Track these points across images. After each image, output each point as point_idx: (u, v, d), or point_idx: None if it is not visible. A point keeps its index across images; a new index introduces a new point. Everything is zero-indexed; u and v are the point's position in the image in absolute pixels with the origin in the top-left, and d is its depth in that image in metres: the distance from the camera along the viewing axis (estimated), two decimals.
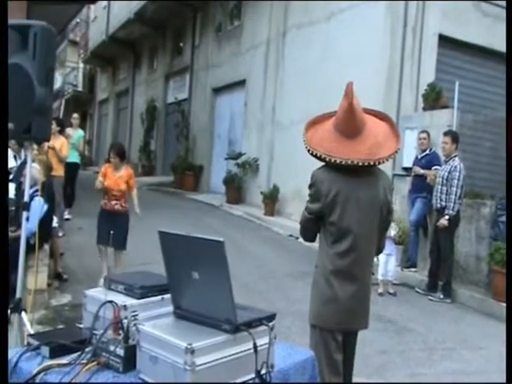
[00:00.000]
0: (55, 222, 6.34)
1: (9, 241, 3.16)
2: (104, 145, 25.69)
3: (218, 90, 15.19)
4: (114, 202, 6.26)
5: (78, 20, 25.11)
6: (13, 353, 2.07)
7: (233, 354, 1.83)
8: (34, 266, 4.38)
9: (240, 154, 12.74)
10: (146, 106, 19.74)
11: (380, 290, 6.75)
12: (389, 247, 6.24)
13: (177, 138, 16.70)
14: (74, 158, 8.98)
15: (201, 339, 1.78)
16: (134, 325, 2.03)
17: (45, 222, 5.41)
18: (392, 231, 6.50)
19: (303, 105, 10.68)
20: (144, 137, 19.44)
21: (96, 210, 10.69)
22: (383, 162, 2.69)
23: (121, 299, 2.22)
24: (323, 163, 2.83)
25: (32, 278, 4.37)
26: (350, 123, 2.67)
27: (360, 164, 2.63)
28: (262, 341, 1.91)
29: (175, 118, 17.14)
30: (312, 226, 2.88)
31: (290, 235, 9.69)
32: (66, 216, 8.95)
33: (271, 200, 11.13)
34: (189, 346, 1.72)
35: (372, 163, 2.65)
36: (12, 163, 8.03)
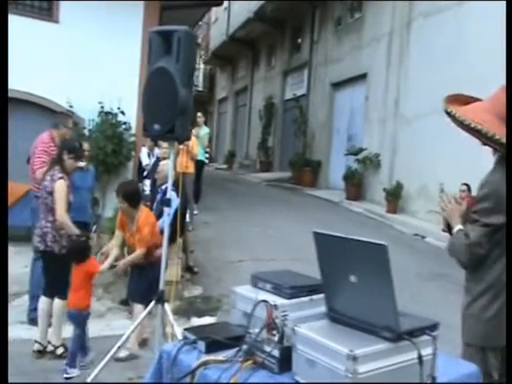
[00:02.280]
0: (187, 218, 6.62)
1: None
2: (223, 142, 26.57)
3: (337, 85, 14.97)
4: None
5: (200, 23, 26.15)
6: (171, 346, 2.16)
7: (395, 364, 1.74)
8: (172, 258, 4.60)
9: (360, 150, 12.46)
10: (264, 102, 20.04)
11: None
12: None
13: (295, 134, 16.75)
14: (201, 155, 9.33)
15: (362, 346, 1.71)
16: (286, 325, 2.02)
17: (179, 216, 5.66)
18: None
19: (429, 97, 10.15)
20: (262, 133, 19.75)
21: (220, 204, 11.16)
22: None
23: (270, 298, 2.22)
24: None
25: (170, 270, 4.58)
26: None
27: None
28: (425, 351, 1.79)
29: (293, 114, 17.19)
30: (485, 245, 2.43)
31: (416, 234, 9.27)
32: (194, 211, 9.35)
33: (394, 197, 10.74)
34: (351, 353, 1.66)
35: None
36: (146, 160, 8.55)
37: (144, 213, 4.40)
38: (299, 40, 18.10)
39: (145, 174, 8.08)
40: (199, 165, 9.13)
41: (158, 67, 3.79)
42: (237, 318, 2.35)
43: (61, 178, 4.20)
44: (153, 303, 3.81)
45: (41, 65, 8.27)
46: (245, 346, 2.01)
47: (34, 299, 4.99)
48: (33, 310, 4.98)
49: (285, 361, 1.92)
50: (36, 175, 4.95)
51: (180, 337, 3.66)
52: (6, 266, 2.63)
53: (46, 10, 8.67)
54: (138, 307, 4.32)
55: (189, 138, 4.02)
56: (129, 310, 5.27)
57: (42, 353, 4.35)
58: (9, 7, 8.43)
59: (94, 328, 4.98)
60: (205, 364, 1.97)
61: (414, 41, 11.16)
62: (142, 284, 4.40)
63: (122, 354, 4.17)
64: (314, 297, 2.29)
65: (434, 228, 9.28)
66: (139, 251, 4.29)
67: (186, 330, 2.25)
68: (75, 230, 4.32)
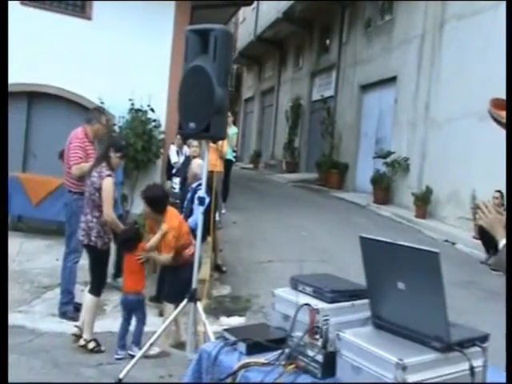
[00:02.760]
0: (216, 216, 6.61)
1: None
2: (249, 142, 26.59)
3: (365, 87, 14.83)
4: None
5: (227, 23, 26.22)
6: (211, 346, 2.15)
7: (446, 375, 1.69)
8: (204, 257, 4.60)
9: (389, 153, 12.30)
10: (290, 103, 19.97)
11: None
12: None
13: (321, 136, 16.65)
14: (229, 154, 9.32)
15: (411, 355, 1.67)
16: (330, 330, 1.98)
17: (209, 215, 5.66)
18: None
19: (462, 101, 9.99)
20: (288, 134, 19.69)
21: (247, 204, 11.16)
22: None
23: (311, 302, 2.18)
24: None
25: (201, 269, 4.57)
26: None
27: None
28: (476, 363, 1.74)
29: (320, 116, 17.10)
30: None
31: (446, 240, 9.11)
32: (223, 211, 9.36)
33: (423, 202, 10.58)
34: (400, 362, 1.62)
35: None
36: (175, 158, 8.57)
37: (168, 217, 4.29)
38: (327, 41, 17.98)
39: (174, 171, 8.11)
40: (227, 164, 9.12)
41: (195, 66, 3.78)
42: (276, 320, 2.32)
43: (109, 175, 4.26)
44: (185, 302, 3.81)
45: (73, 61, 8.38)
46: (287, 350, 1.98)
47: (65, 293, 5.05)
48: (64, 303, 5.03)
49: (328, 366, 1.89)
50: (72, 170, 5.00)
51: (212, 336, 3.67)
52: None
53: (79, 7, 8.78)
54: (169, 306, 4.33)
55: (224, 137, 4.01)
56: (159, 307, 5.28)
57: (78, 338, 4.39)
58: (42, 4, 8.58)
59: None
60: (246, 366, 1.95)
61: (447, 43, 10.98)
62: (174, 284, 4.40)
63: (153, 351, 4.18)
64: (356, 302, 2.25)
65: (465, 234, 9.12)
66: (166, 256, 4.27)
67: (225, 330, 2.24)
68: (121, 226, 4.42)
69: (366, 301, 2.25)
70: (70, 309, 5.03)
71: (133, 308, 4.33)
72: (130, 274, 4.30)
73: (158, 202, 4.26)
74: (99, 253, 4.34)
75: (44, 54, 8.32)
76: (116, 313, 5.26)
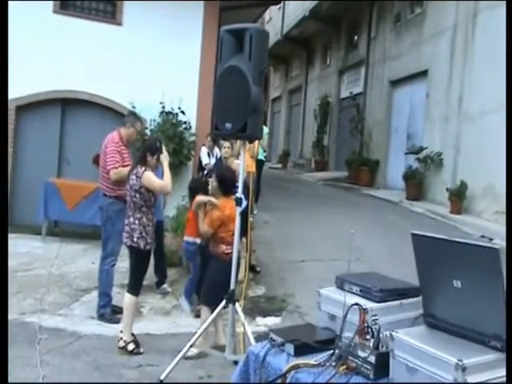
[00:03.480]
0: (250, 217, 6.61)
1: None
2: (277, 141, 26.53)
3: (395, 82, 14.62)
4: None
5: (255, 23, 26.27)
6: (258, 347, 2.13)
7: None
8: (242, 257, 4.60)
9: (421, 148, 12.10)
10: (318, 101, 19.85)
11: None
12: None
13: (351, 133, 16.50)
14: (260, 154, 9.31)
15: (470, 355, 1.62)
16: (381, 330, 1.94)
17: (245, 216, 5.66)
18: None
19: (496, 93, 9.74)
20: (317, 132, 19.58)
21: (278, 204, 11.13)
22: None
23: (359, 301, 2.15)
24: None
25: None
26: None
27: None
28: None
29: (349, 113, 16.95)
30: None
31: (482, 236, 8.90)
32: (255, 211, 9.36)
33: (458, 197, 10.36)
34: (460, 363, 1.57)
35: None
36: (206, 160, 8.58)
37: (225, 201, 4.43)
38: (355, 37, 17.80)
39: (205, 173, 8.13)
40: (259, 164, 9.11)
41: (230, 66, 3.77)
42: (323, 320, 2.29)
43: (145, 171, 4.33)
44: (224, 303, 3.80)
45: (105, 67, 8.50)
46: (337, 351, 1.95)
47: (102, 296, 5.12)
48: (102, 306, 5.10)
49: (381, 367, 1.85)
50: (110, 175, 5.06)
51: (251, 337, 3.66)
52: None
53: (109, 13, 8.90)
54: (206, 308, 4.33)
55: (260, 137, 3.99)
56: (194, 308, 5.31)
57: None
58: (74, 11, 8.73)
59: (159, 325, 5.07)
60: (296, 367, 1.93)
61: (480, 34, 10.72)
62: (210, 287, 4.40)
63: (191, 352, 4.20)
64: (404, 301, 2.21)
65: (502, 229, 8.89)
66: (206, 228, 4.43)
67: (272, 331, 2.22)
68: (203, 199, 4.65)
69: (414, 299, 2.21)
70: (107, 311, 5.09)
71: (189, 256, 5.05)
72: (187, 222, 5.18)
73: (226, 182, 4.48)
74: (141, 253, 4.41)
75: (76, 60, 8.46)
76: (152, 315, 5.32)
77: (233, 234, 4.23)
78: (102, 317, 5.06)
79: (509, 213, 1.95)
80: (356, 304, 2.02)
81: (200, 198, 4.69)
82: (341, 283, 2.33)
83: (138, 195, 4.33)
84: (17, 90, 8.31)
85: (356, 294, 2.23)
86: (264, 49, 3.78)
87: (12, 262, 6.36)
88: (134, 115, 5.58)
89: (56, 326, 4.81)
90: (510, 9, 4.58)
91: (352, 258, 6.89)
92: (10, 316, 4.90)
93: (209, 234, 4.44)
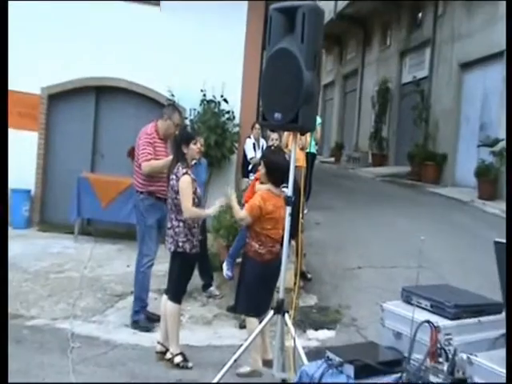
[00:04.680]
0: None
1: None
2: (329, 132, 26.33)
3: (466, 65, 14.23)
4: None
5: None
6: (313, 367, 2.09)
7: None
8: (291, 262, 4.56)
9: (497, 140, 11.69)
10: (377, 87, 19.59)
11: None
12: None
13: (414, 123, 16.19)
14: (312, 147, 9.17)
15: None
16: (457, 353, 1.86)
17: (292, 216, 5.61)
18: None
19: None
20: (375, 122, 19.34)
21: (331, 202, 11.04)
22: None
23: (429, 318, 2.07)
24: None
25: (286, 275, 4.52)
26: None
27: None
28: None
29: (412, 100, 16.62)
30: None
31: None
32: (305, 210, 9.29)
33: None
34: None
35: None
36: (251, 153, 8.54)
37: (270, 194, 4.26)
38: (420, 15, 17.43)
39: (250, 167, 8.12)
40: (310, 158, 8.98)
41: (280, 48, 3.73)
42: (387, 338, 2.23)
43: (185, 173, 4.35)
44: (271, 314, 3.78)
45: (142, 52, 8.61)
46: (405, 375, 1.88)
47: (137, 301, 5.20)
48: (136, 312, 5.18)
49: None
50: (142, 168, 5.12)
51: (302, 352, 3.62)
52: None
53: None
54: (251, 320, 4.31)
55: (313, 129, 3.94)
56: (238, 317, 5.31)
57: (164, 354, 4.48)
58: None
59: (200, 336, 5.10)
60: None
61: None
62: (245, 292, 4.38)
63: (243, 369, 4.20)
64: (483, 319, 2.12)
65: None
66: (243, 213, 4.27)
67: (328, 349, 2.17)
68: (208, 212, 4.58)
69: (494, 317, 2.12)
70: (141, 318, 5.17)
71: None
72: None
73: (276, 171, 4.27)
74: (188, 257, 4.45)
75: (112, 45, 8.60)
76: (193, 324, 5.36)
77: (267, 236, 4.18)
78: (135, 324, 5.14)
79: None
80: (427, 321, 1.94)
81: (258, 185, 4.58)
82: (407, 296, 2.26)
83: (179, 197, 4.35)
84: (49, 77, 8.56)
85: (426, 310, 2.15)
86: (318, 29, 3.72)
87: (43, 263, 6.57)
88: (172, 106, 5.62)
89: (89, 334, 4.91)
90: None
91: (415, 264, 6.76)
92: (42, 321, 5.06)
93: (246, 221, 4.31)
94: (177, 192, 4.34)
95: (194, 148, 4.50)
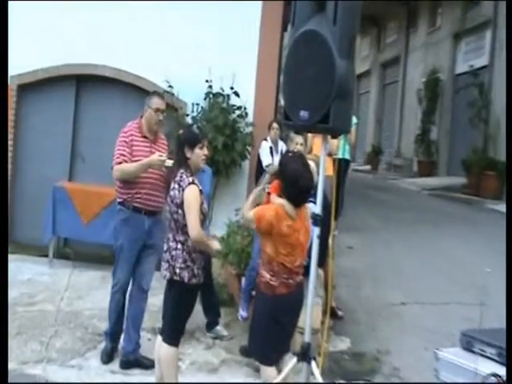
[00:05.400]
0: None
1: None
2: (364, 134, 26.36)
3: None
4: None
5: None
6: None
7: None
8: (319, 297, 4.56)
9: None
10: (424, 78, 19.64)
11: None
12: None
13: (471, 123, 16.22)
14: (345, 152, 9.15)
15: None
16: None
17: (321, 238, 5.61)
18: None
19: None
20: (422, 122, 19.37)
21: (367, 221, 11.01)
22: None
23: (496, 370, 2.07)
24: None
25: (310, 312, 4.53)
26: None
27: None
28: None
29: (469, 95, 16.66)
30: None
31: None
32: (334, 231, 9.28)
33: None
34: None
35: None
36: (267, 159, 8.53)
37: (282, 211, 4.18)
38: None
39: (265, 177, 8.11)
40: (343, 166, 8.95)
41: (307, 31, 3.78)
42: None
43: (191, 182, 4.34)
44: (294, 361, 3.79)
45: (132, 35, 8.61)
46: None
47: (107, 336, 5.36)
48: (108, 350, 5.30)
49: None
50: (113, 173, 5.21)
51: None
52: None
53: None
54: (266, 370, 4.31)
55: (348, 130, 3.96)
56: (251, 363, 5.31)
57: None
58: None
59: None
60: None
61: None
62: (256, 333, 4.39)
63: None
64: None
65: None
66: (250, 215, 4.24)
67: None
68: (214, 246, 4.54)
69: None
70: (132, 359, 5.24)
71: None
72: None
73: (293, 183, 4.14)
74: (186, 289, 4.42)
75: (94, 26, 8.65)
76: (195, 371, 5.36)
77: (281, 264, 4.13)
78: (125, 364, 5.21)
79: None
80: (493, 374, 1.94)
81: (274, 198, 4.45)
82: (468, 342, 2.26)
83: (180, 211, 4.33)
84: (19, 64, 8.62)
85: (491, 359, 2.15)
86: (355, 7, 3.77)
87: (11, 293, 6.60)
88: (152, 92, 5.68)
89: (67, 381, 4.93)
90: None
91: (474, 301, 6.74)
92: (9, 365, 5.08)
93: (248, 225, 4.40)
94: (178, 205, 4.32)
95: (200, 154, 4.51)
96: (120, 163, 5.17)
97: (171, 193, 4.39)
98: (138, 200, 5.17)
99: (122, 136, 5.28)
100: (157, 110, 5.27)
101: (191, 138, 4.53)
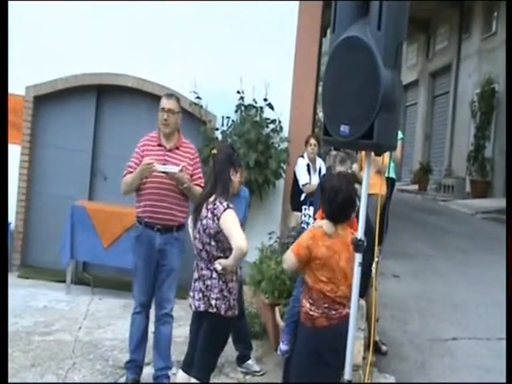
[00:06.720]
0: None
1: None
2: (411, 150, 26.22)
3: None
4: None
5: None
6: None
7: None
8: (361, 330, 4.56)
9: None
10: (478, 89, 19.50)
11: None
12: None
13: None
14: (390, 171, 9.07)
15: None
16: None
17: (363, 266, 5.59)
18: None
19: None
20: (475, 137, 19.21)
21: (414, 247, 10.88)
22: None
23: None
24: None
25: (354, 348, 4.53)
26: None
27: None
28: None
29: None
30: None
31: None
32: (378, 257, 9.22)
33: None
34: None
35: None
36: (305, 178, 8.50)
37: (321, 233, 4.30)
38: None
39: (303, 197, 8.12)
40: (388, 185, 8.89)
41: (349, 37, 3.82)
42: None
43: (226, 208, 4.29)
44: None
45: (157, 41, 8.69)
46: None
47: (128, 363, 5.44)
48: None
49: None
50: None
51: None
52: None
53: None
54: None
55: (394, 147, 3.97)
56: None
57: None
58: None
59: None
60: None
61: None
62: (297, 368, 4.40)
63: None
64: None
65: None
66: (287, 254, 4.42)
67: None
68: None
69: None
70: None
71: None
72: None
73: (333, 200, 4.25)
74: (221, 322, 4.42)
75: (117, 33, 8.75)
76: None
77: (321, 292, 4.13)
78: None
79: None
80: None
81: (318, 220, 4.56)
82: None
83: (213, 243, 4.31)
84: (36, 74, 8.77)
85: None
86: (402, 11, 3.79)
87: (25, 321, 6.71)
88: (164, 94, 5.74)
89: None
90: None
91: None
92: None
93: (289, 265, 4.41)
94: (211, 236, 4.29)
95: (237, 182, 4.55)
96: (125, 175, 5.29)
97: (203, 221, 4.33)
98: (148, 214, 5.22)
99: (136, 146, 5.39)
100: (162, 110, 5.34)
101: (237, 160, 4.54)
